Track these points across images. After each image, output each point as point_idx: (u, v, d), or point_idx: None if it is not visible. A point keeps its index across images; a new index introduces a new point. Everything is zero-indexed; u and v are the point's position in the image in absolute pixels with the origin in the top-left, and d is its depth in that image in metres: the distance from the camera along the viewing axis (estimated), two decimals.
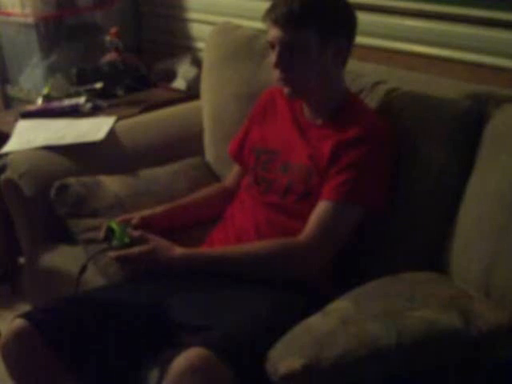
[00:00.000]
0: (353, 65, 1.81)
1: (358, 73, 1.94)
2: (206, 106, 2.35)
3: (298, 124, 1.81)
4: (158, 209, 1.91)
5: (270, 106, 1.90)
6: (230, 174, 2.04)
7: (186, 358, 1.36)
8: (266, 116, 1.90)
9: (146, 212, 1.88)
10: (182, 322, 1.58)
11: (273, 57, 1.71)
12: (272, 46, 1.71)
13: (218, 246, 1.78)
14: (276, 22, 1.67)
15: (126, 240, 1.74)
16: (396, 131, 1.73)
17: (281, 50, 1.68)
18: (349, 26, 1.72)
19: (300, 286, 1.66)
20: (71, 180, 2.03)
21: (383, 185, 1.70)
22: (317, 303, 1.48)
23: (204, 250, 1.79)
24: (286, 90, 1.74)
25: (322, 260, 1.67)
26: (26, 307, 2.24)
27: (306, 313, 1.44)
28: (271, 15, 1.68)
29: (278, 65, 1.70)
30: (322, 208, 1.67)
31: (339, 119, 1.74)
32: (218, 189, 2.04)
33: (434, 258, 1.69)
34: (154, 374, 1.56)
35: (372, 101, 1.84)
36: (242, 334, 1.46)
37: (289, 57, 1.68)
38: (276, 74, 1.72)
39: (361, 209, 1.67)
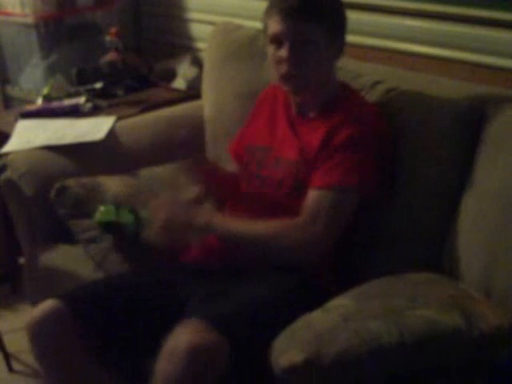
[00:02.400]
0: (353, 64, 1.82)
1: (358, 72, 1.94)
2: (207, 105, 2.35)
3: (290, 120, 1.80)
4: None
5: (268, 104, 1.89)
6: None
7: (184, 334, 1.36)
8: (262, 114, 1.90)
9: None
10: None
11: (275, 52, 1.69)
12: (277, 40, 1.68)
13: None
14: (287, 16, 1.64)
15: (133, 220, 1.75)
16: (394, 130, 1.73)
17: (292, 44, 1.65)
18: (346, 21, 1.73)
19: (303, 280, 1.65)
20: (70, 181, 2.03)
21: (374, 164, 1.67)
22: (319, 298, 1.49)
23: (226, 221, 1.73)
24: (290, 86, 1.72)
25: (321, 240, 1.63)
26: (26, 307, 2.25)
27: (308, 307, 1.44)
28: (281, 8, 1.65)
29: (289, 59, 1.66)
30: (314, 194, 1.65)
31: (330, 110, 1.73)
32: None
33: (434, 258, 1.69)
34: None
35: (371, 100, 1.84)
36: (244, 317, 1.46)
37: (300, 51, 1.65)
38: (282, 69, 1.68)
39: (353, 190, 1.65)
